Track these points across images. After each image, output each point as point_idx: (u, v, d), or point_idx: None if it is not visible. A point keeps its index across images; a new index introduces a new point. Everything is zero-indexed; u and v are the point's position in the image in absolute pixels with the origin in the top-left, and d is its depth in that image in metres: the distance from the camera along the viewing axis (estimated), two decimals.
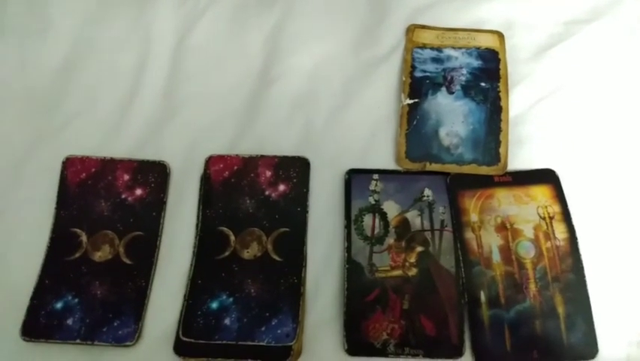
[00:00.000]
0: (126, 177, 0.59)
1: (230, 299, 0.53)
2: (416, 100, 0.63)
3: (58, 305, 0.53)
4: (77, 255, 0.56)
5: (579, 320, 0.52)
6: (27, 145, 0.61)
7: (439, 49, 0.66)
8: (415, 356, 0.51)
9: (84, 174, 0.59)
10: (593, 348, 0.51)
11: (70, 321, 0.52)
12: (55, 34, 0.68)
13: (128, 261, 0.55)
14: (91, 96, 0.64)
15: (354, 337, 0.52)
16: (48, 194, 0.58)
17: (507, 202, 0.57)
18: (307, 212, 0.57)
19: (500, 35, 0.66)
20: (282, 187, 0.58)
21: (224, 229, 0.56)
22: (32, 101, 0.64)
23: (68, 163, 0.60)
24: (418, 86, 0.63)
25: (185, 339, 0.51)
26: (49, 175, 0.59)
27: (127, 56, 0.67)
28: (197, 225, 0.57)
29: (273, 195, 0.58)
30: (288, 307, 0.52)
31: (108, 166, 0.59)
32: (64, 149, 0.60)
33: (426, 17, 0.68)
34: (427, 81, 0.64)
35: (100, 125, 0.63)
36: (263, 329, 0.51)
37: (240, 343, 0.51)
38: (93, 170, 0.59)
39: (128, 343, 0.52)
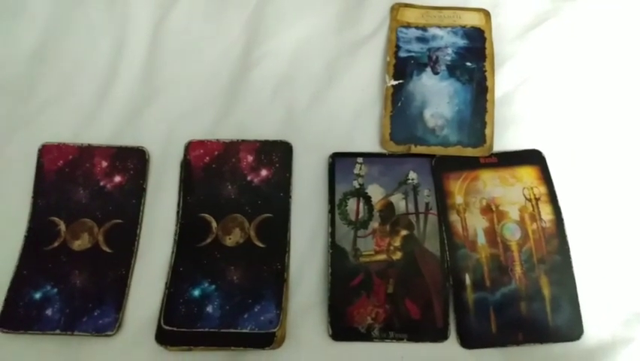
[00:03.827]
0: (104, 163, 0.58)
1: (213, 287, 0.52)
2: (401, 81, 0.61)
3: (37, 296, 0.52)
4: (56, 244, 0.54)
5: (564, 302, 0.52)
6: (1, 133, 0.60)
7: (423, 28, 0.64)
8: (399, 340, 0.51)
9: (61, 162, 0.58)
10: (578, 329, 0.51)
11: (49, 311, 0.51)
12: (29, 17, 0.66)
13: (107, 249, 0.54)
14: (67, 81, 0.63)
15: (339, 322, 0.51)
16: (24, 183, 0.57)
17: (492, 184, 0.56)
18: (290, 197, 0.56)
19: (486, 13, 0.65)
20: (264, 172, 0.57)
21: (206, 215, 0.55)
22: (6, 87, 0.62)
23: (45, 150, 0.58)
24: (403, 66, 0.62)
25: (166, 328, 0.50)
26: (25, 163, 0.58)
27: (103, 40, 0.65)
28: (177, 212, 0.56)
29: (255, 180, 0.57)
30: (271, 293, 0.52)
31: (85, 153, 0.58)
32: (41, 136, 0.59)
33: None
34: (412, 61, 0.62)
35: (77, 111, 0.61)
36: (246, 316, 0.51)
37: (223, 330, 0.50)
38: (70, 157, 0.58)
39: (108, 332, 0.51)
